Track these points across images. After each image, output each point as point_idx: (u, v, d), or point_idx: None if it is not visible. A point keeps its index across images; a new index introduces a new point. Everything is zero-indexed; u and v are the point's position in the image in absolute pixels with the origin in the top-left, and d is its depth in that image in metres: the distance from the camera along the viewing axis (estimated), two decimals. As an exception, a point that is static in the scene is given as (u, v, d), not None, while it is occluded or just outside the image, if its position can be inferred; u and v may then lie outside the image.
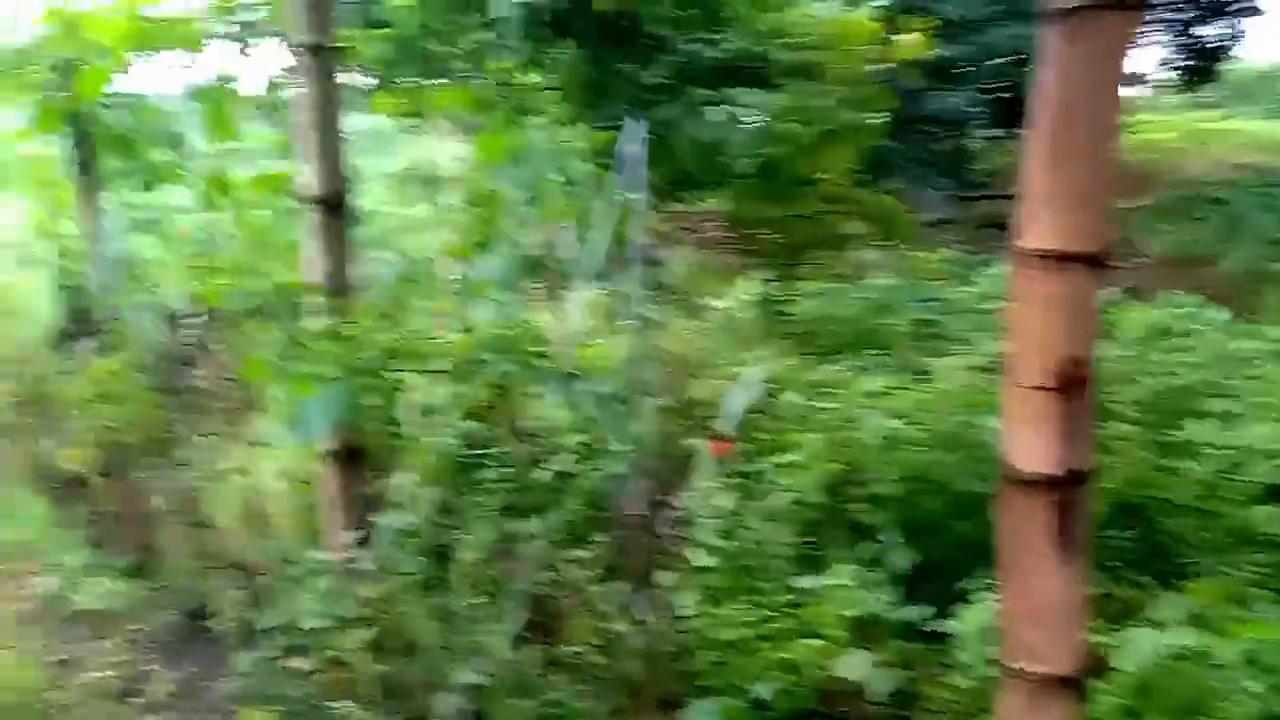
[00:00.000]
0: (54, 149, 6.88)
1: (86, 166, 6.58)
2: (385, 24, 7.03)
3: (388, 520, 3.56)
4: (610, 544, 3.24)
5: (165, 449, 5.43)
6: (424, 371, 3.28)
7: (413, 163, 8.65)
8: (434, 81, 6.77)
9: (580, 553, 3.26)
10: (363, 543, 3.78)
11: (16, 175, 7.92)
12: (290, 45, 4.34)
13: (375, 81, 7.50)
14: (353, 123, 7.96)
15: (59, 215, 7.21)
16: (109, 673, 5.28)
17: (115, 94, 6.25)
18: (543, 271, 3.53)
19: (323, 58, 4.26)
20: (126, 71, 5.82)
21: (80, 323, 6.13)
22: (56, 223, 7.23)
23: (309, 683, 3.99)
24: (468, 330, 3.21)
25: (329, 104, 4.29)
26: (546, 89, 7.23)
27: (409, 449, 3.23)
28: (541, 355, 3.20)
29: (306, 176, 4.21)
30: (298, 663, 4.13)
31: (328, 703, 3.83)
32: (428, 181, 7.01)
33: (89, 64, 5.56)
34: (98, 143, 6.48)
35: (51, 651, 5.73)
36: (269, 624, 4.45)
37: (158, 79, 5.96)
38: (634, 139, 3.20)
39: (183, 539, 5.58)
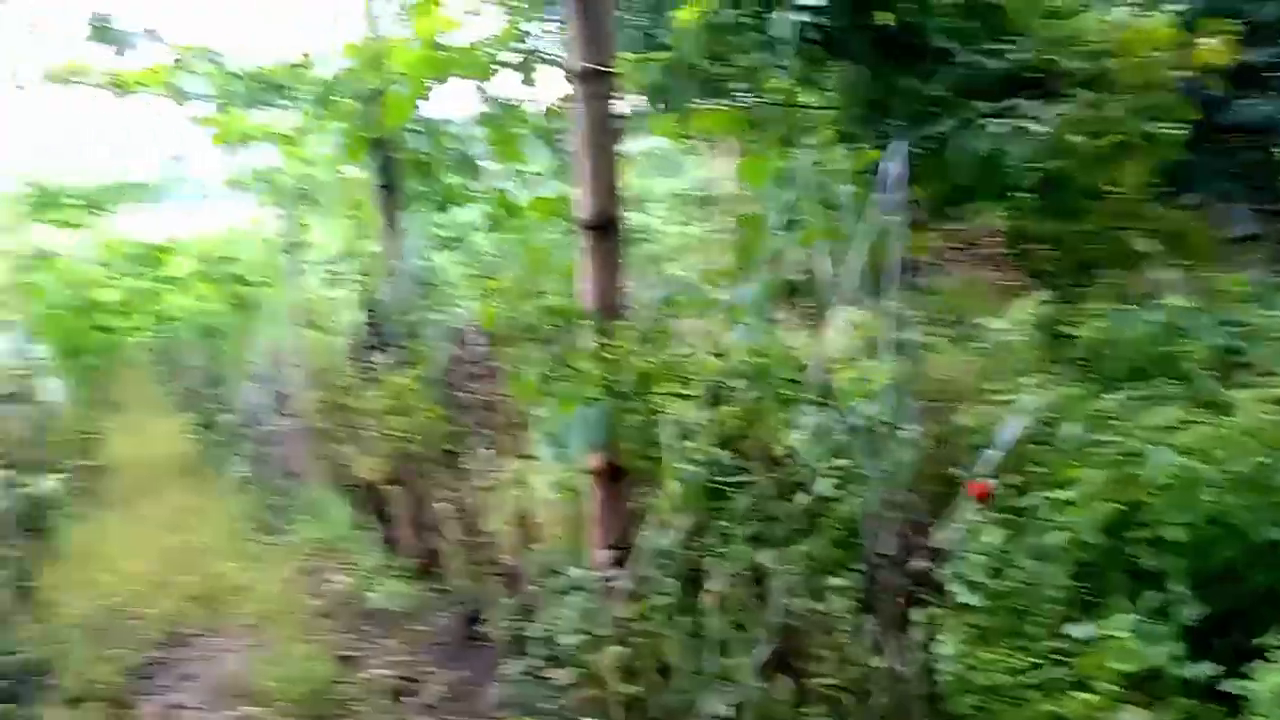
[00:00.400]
0: (361, 173, 7.31)
1: (390, 189, 6.93)
2: (667, 47, 7.08)
3: (644, 541, 3.55)
4: (863, 578, 3.10)
5: (450, 460, 5.64)
6: (679, 395, 3.25)
7: (692, 184, 8.71)
8: (712, 103, 6.76)
9: (831, 585, 3.14)
10: (620, 561, 3.78)
11: (329, 198, 8.48)
12: (568, 72, 4.41)
13: (658, 104, 7.57)
14: (639, 144, 8.11)
15: (364, 235, 7.66)
16: (389, 670, 5.53)
17: (416, 120, 6.56)
18: (801, 295, 3.43)
19: (597, 83, 4.30)
20: (427, 99, 6.11)
21: (379, 337, 6.47)
22: (361, 242, 7.68)
23: (565, 697, 4.04)
24: (721, 354, 3.16)
25: (603, 128, 4.33)
26: (821, 108, 7.10)
27: (665, 471, 3.20)
28: (796, 381, 3.11)
29: (580, 199, 4.27)
30: (557, 676, 4.18)
31: (581, 718, 3.86)
32: (704, 202, 7.03)
33: (391, 93, 5.84)
34: (400, 167, 6.82)
35: (341, 646, 6.08)
36: (533, 635, 4.54)
37: (453, 105, 6.23)
38: (897, 157, 3.06)
39: (462, 546, 5.78)
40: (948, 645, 3.46)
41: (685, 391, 3.22)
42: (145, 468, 12.17)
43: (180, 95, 6.76)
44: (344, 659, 5.82)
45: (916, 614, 3.18)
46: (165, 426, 14.09)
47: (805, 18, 6.57)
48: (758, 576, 3.17)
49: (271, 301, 10.98)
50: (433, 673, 5.42)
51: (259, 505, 9.65)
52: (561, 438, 3.38)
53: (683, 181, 9.47)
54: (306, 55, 6.25)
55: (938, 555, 3.14)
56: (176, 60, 6.16)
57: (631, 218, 9.00)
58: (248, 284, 11.57)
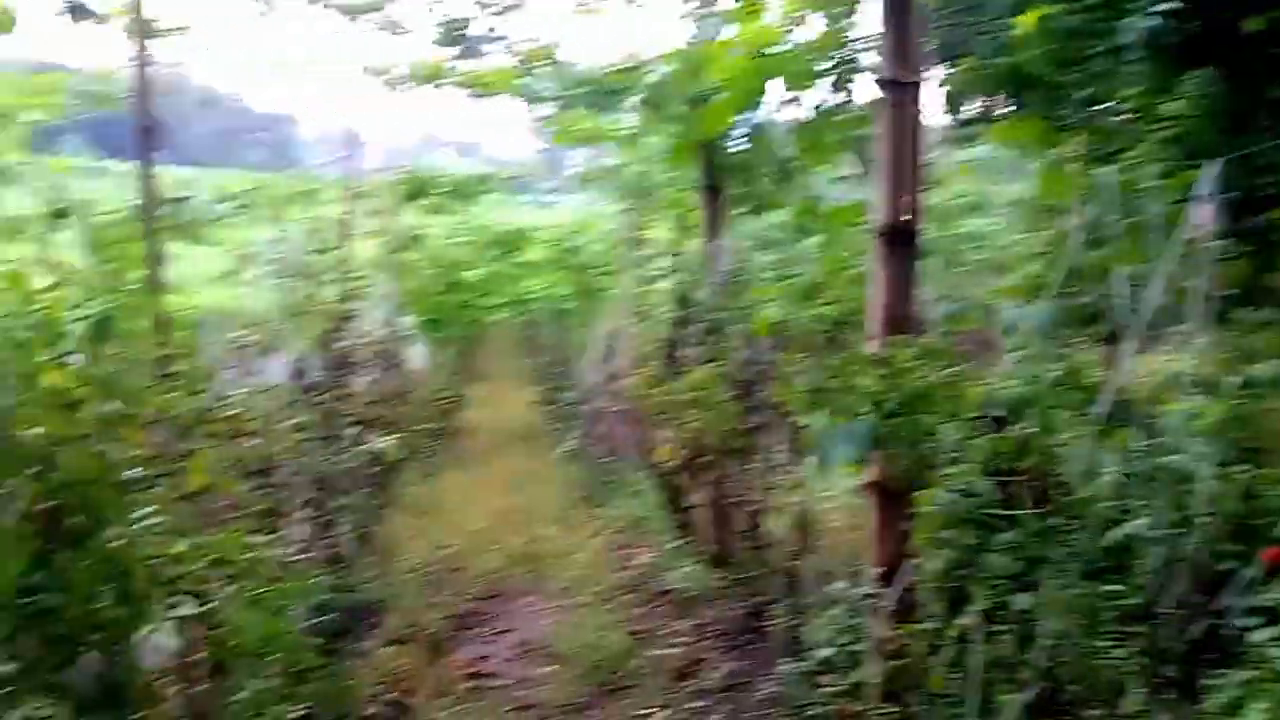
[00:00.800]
0: (690, 174, 7.31)
1: (714, 191, 6.89)
2: (1006, 53, 6.63)
3: (911, 562, 3.30)
4: (1147, 631, 2.72)
5: (740, 457, 5.54)
6: (952, 416, 2.98)
7: (1026, 193, 8.18)
8: (1055, 111, 6.28)
9: (1109, 634, 2.78)
10: (888, 579, 3.54)
11: (662, 197, 8.58)
12: (878, 80, 4.20)
13: (991, 111, 7.13)
14: (978, 150, 7.67)
15: (688, 234, 7.68)
16: (673, 651, 5.50)
17: (740, 124, 6.48)
18: (1100, 320, 3.06)
19: (904, 91, 4.06)
20: (756, 106, 6.01)
21: (688, 332, 6.45)
22: (686, 240, 7.70)
23: (829, 706, 3.85)
24: (1002, 377, 2.86)
25: (906, 136, 4.08)
26: (1168, 119, 6.43)
27: (926, 497, 2.94)
28: (1084, 413, 2.77)
29: (876, 207, 4.05)
30: (824, 684, 4.00)
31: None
32: (1032, 213, 6.54)
33: (715, 99, 5.77)
34: (724, 169, 6.76)
35: (635, 621, 6.12)
36: (805, 640, 4.37)
37: (771, 111, 6.09)
38: (1216, 176, 2.66)
39: (748, 541, 5.67)
40: (1254, 715, 2.98)
41: (959, 413, 2.95)
42: (489, 433, 12.87)
43: (528, 97, 7.00)
44: (635, 634, 5.85)
45: (1210, 676, 2.76)
46: (512, 398, 14.87)
47: (1158, 22, 5.97)
48: (1026, 614, 2.86)
49: (610, 290, 11.31)
50: (712, 660, 5.35)
51: (583, 478, 9.97)
52: (827, 449, 3.18)
53: (1017, 190, 8.93)
54: (638, 60, 6.29)
55: (1240, 614, 2.71)
56: (520, 63, 6.36)
57: (966, 226, 8.55)
58: (591, 272, 11.96)
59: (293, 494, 6.06)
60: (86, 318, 2.89)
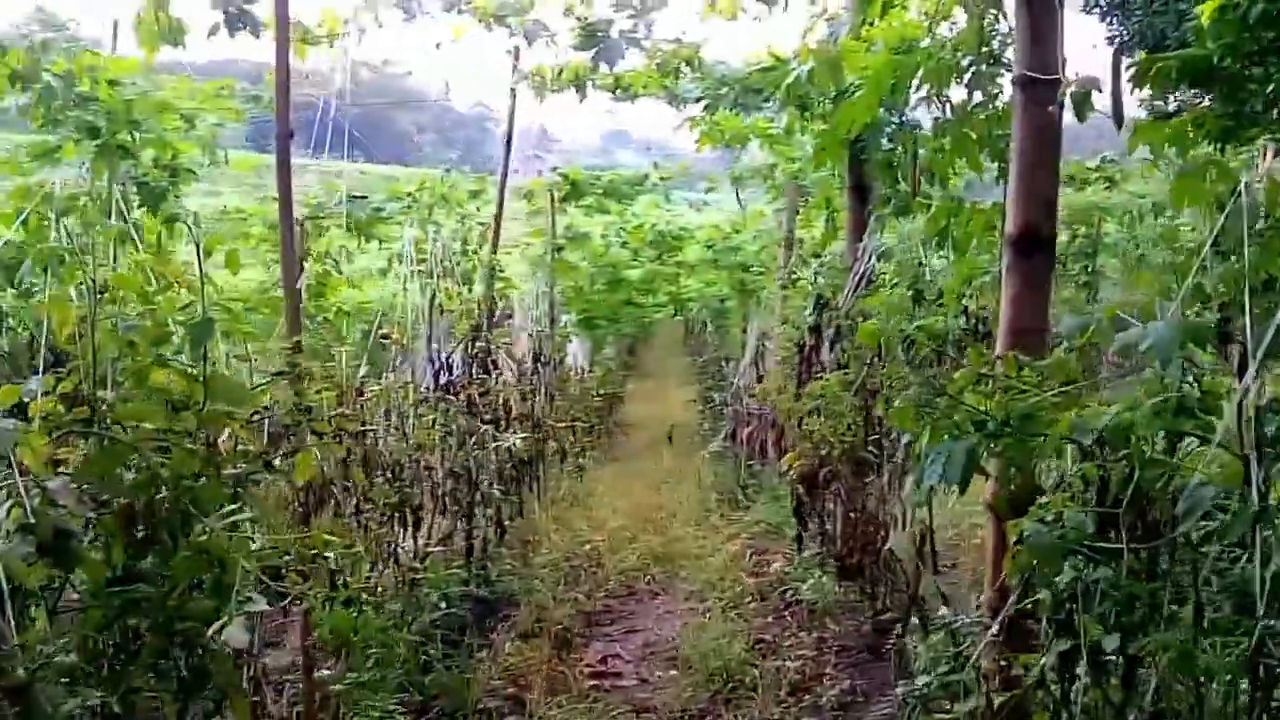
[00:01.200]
0: (840, 173, 7.11)
1: (860, 190, 6.69)
2: (1184, 45, 6.21)
3: (1021, 590, 3.08)
4: (1259, 682, 2.46)
5: (865, 468, 5.34)
6: (1055, 440, 2.75)
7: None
8: (1237, 108, 5.84)
9: (1219, 679, 2.53)
10: (999, 605, 3.32)
11: (812, 196, 8.39)
12: (1012, 79, 3.97)
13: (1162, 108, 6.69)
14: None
15: (835, 234, 7.47)
16: (794, 663, 5.33)
17: (885, 123, 6.28)
18: (1229, 340, 2.77)
19: (1039, 90, 3.81)
20: (906, 103, 5.80)
21: (823, 336, 6.26)
22: (831, 242, 7.49)
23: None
24: (1113, 400, 2.62)
25: (1040, 139, 3.83)
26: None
27: (1022, 523, 2.73)
28: (1203, 440, 2.52)
29: (1009, 212, 3.82)
30: (936, 711, 3.80)
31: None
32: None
33: (857, 96, 5.58)
34: (870, 169, 6.55)
35: (761, 630, 5.98)
36: (919, 663, 4.16)
37: (917, 109, 5.86)
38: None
39: (874, 556, 5.46)
40: None
41: (1062, 436, 2.72)
42: (640, 431, 12.88)
43: (673, 97, 6.94)
44: (758, 643, 5.72)
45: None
46: (666, 396, 14.84)
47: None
48: (1130, 653, 2.63)
49: (764, 289, 11.18)
50: (831, 675, 5.17)
51: (726, 479, 9.86)
52: (923, 467, 2.99)
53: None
54: (780, 58, 6.13)
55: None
56: (659, 64, 6.29)
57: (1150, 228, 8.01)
58: (747, 272, 11.84)
59: (430, 488, 6.17)
60: (193, 319, 2.96)
